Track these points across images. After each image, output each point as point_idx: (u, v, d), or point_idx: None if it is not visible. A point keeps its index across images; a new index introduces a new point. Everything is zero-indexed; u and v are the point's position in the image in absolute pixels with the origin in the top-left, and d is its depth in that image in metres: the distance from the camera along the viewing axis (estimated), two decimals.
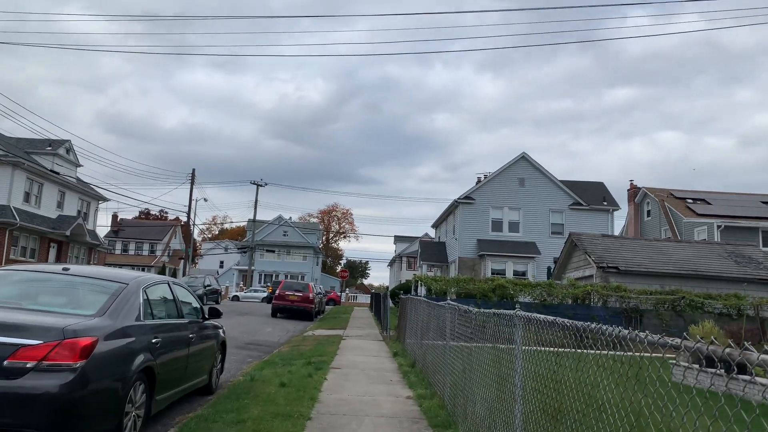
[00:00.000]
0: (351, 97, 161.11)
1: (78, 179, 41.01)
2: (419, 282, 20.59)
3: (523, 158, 34.71)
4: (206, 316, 8.05)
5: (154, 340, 5.86)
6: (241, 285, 67.72)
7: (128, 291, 5.81)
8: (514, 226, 34.09)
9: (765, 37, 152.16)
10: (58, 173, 35.27)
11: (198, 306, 7.98)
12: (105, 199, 44.17)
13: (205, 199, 62.27)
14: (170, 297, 6.91)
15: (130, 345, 5.39)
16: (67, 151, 39.49)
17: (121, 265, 70.98)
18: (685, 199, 38.95)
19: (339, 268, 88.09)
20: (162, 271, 66.96)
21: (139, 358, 5.49)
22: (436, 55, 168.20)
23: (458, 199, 34.34)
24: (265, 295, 51.37)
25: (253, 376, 9.56)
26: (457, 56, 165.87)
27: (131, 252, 76.00)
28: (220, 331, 8.83)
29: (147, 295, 6.12)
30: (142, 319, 5.79)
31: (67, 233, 37.05)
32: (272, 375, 9.74)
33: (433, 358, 9.14)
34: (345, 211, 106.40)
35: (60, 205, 38.45)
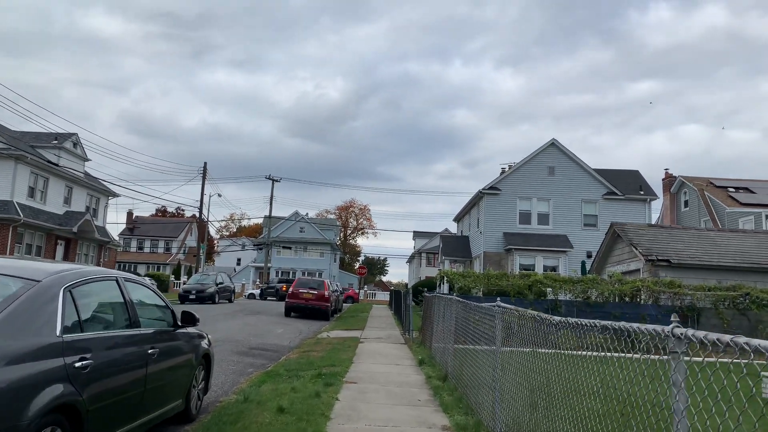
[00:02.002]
0: (370, 94, 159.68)
1: (86, 174, 39.64)
2: (444, 277, 18.58)
3: (553, 145, 32.40)
4: (179, 323, 6.17)
5: (79, 364, 3.97)
6: (258, 282, 66.25)
7: (36, 293, 3.92)
8: (543, 218, 31.83)
9: None
10: (57, 164, 33.82)
11: (168, 310, 6.10)
12: (115, 195, 42.79)
13: (219, 195, 60.48)
14: (118, 299, 5.01)
15: (29, 375, 3.51)
16: (74, 144, 38.10)
17: (135, 264, 70.03)
18: (726, 187, 36.37)
19: (357, 265, 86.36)
20: (177, 269, 65.77)
21: (49, 394, 3.61)
22: (455, 52, 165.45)
23: (483, 189, 32.17)
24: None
25: (248, 395, 7.66)
26: (477, 52, 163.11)
27: (146, 250, 75.03)
28: (203, 341, 6.93)
29: (73, 298, 4.24)
30: (58, 332, 3.90)
31: (75, 230, 35.67)
32: (272, 393, 7.83)
33: (475, 372, 7.15)
34: (363, 207, 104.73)
35: (67, 200, 37.09)
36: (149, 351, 5.15)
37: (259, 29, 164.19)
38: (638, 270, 18.64)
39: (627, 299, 16.88)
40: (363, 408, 7.23)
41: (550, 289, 16.71)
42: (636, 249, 18.29)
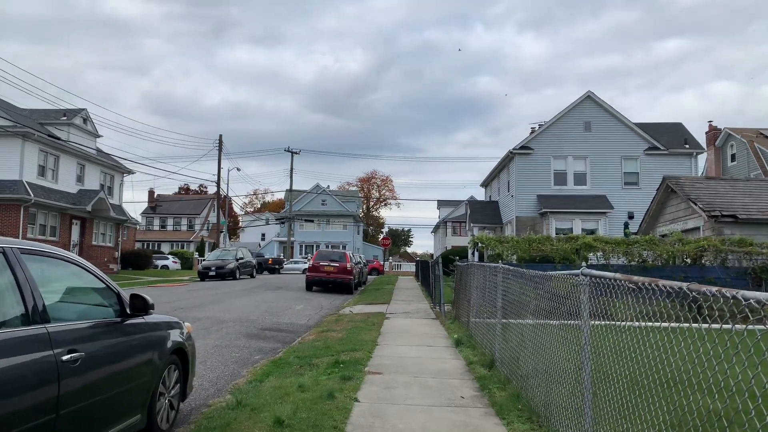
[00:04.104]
0: (390, 65, 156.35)
1: (99, 150, 38.38)
2: (478, 244, 16.71)
3: (589, 98, 29.82)
4: (129, 312, 4.43)
5: None
6: (282, 257, 65.18)
7: None
8: (580, 178, 29.49)
9: None
10: (59, 138, 32.53)
11: (112, 294, 4.36)
12: (130, 172, 41.53)
13: (238, 169, 59.24)
14: (4, 283, 3.27)
15: None
16: (84, 120, 36.75)
17: (159, 242, 69.54)
18: None
19: (381, 237, 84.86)
20: (201, 246, 64.95)
21: None
22: (477, 17, 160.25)
23: (513, 149, 29.89)
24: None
25: (243, 397, 5.97)
26: (499, 17, 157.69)
27: (169, 228, 74.47)
28: (174, 332, 5.21)
29: None
30: None
31: (89, 208, 34.48)
32: (273, 394, 6.12)
33: (542, 357, 5.32)
34: (385, 178, 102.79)
35: (80, 178, 35.90)
36: (64, 357, 3.41)
37: (276, 4, 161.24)
38: (697, 228, 16.48)
39: (687, 261, 14.81)
40: (390, 413, 5.47)
41: (601, 253, 14.72)
42: (695, 204, 16.08)
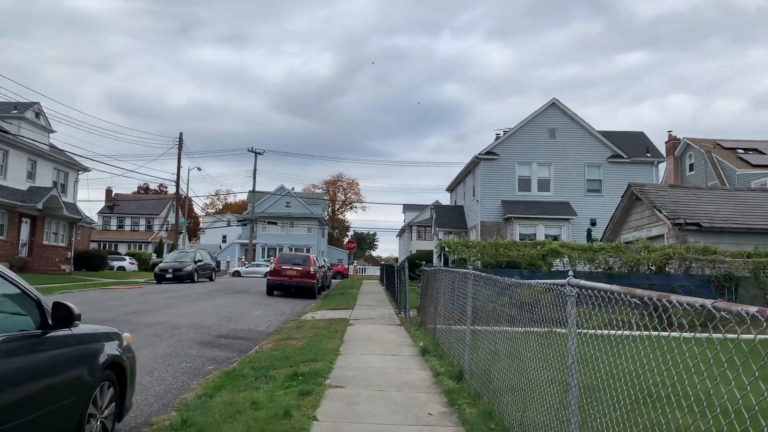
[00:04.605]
0: (359, 69, 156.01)
1: (52, 146, 36.73)
2: (445, 248, 16.37)
3: (554, 105, 29.99)
4: (51, 323, 3.84)
5: None
6: (243, 260, 63.94)
7: None
8: (544, 185, 29.58)
9: None
10: (7, 131, 30.97)
11: (31, 303, 3.76)
12: (86, 169, 39.87)
13: (199, 168, 57.82)
14: None
15: None
16: (37, 114, 35.14)
17: (116, 243, 67.33)
18: (735, 149, 34.35)
19: (346, 240, 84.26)
20: (159, 247, 63.07)
21: None
22: (444, 25, 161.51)
23: (479, 154, 29.79)
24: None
25: (189, 415, 5.39)
26: (466, 25, 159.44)
27: (127, 228, 72.19)
28: (110, 344, 4.62)
29: None
30: None
31: (40, 206, 32.89)
32: (223, 412, 5.57)
33: (516, 380, 4.92)
34: (351, 181, 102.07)
35: (31, 175, 34.22)
36: None
37: (246, 3, 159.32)
38: (662, 236, 16.54)
39: (653, 269, 14.78)
40: None
41: (567, 259, 14.57)
42: (660, 212, 16.13)
